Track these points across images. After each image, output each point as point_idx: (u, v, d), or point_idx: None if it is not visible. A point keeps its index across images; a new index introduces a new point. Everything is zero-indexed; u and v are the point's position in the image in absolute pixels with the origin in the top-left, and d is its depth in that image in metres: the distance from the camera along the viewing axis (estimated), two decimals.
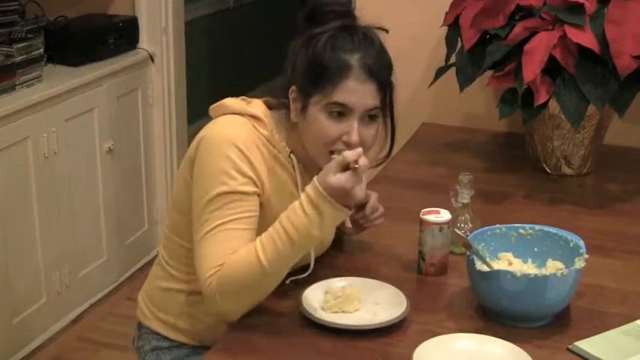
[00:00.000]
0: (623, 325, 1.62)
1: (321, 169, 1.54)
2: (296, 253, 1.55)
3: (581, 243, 1.69)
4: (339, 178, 1.49)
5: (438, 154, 2.65)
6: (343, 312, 1.63)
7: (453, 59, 2.46)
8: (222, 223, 1.59)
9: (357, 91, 1.62)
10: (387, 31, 1.71)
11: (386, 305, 1.65)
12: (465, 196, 1.88)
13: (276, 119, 1.73)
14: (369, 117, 1.66)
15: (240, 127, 1.66)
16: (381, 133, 1.74)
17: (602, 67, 2.17)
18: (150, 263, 1.91)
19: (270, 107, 1.74)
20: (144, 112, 3.57)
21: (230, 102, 1.72)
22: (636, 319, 1.64)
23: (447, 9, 2.48)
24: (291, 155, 1.72)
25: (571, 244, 1.69)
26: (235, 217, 1.60)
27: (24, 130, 2.84)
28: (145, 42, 3.58)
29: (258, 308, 1.67)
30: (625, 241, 2.04)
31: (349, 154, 1.50)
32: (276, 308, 1.67)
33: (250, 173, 1.62)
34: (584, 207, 2.26)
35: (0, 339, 2.83)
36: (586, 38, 2.14)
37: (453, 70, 2.43)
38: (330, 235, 1.79)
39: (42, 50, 3.04)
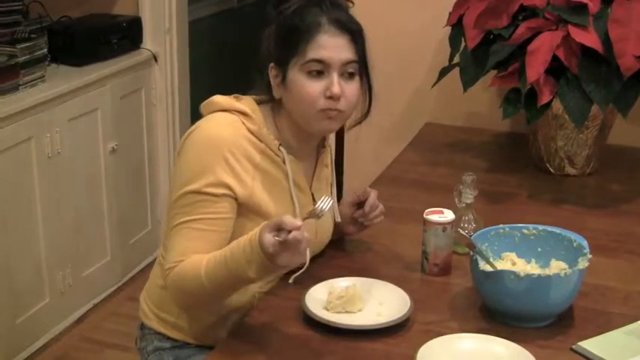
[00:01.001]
0: (626, 325, 1.62)
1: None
2: (228, 278, 1.54)
3: (585, 243, 1.69)
4: (266, 239, 1.44)
5: (441, 154, 2.65)
6: (346, 312, 1.63)
7: (456, 59, 2.46)
8: (188, 221, 1.63)
9: (331, 45, 1.64)
10: (352, 2, 1.73)
11: (389, 305, 1.65)
12: (469, 196, 1.88)
13: (265, 113, 1.74)
14: (349, 74, 1.67)
15: (227, 126, 1.68)
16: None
17: (605, 67, 2.16)
18: (153, 263, 1.92)
19: (260, 103, 1.76)
20: (147, 112, 3.57)
21: (219, 99, 1.73)
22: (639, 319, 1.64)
23: (450, 9, 2.48)
24: (281, 147, 1.73)
25: (574, 244, 1.69)
26: (202, 217, 1.62)
27: (27, 131, 2.84)
28: (148, 42, 3.58)
29: (261, 308, 1.68)
30: (628, 241, 2.04)
31: (287, 220, 1.42)
32: (278, 308, 1.68)
33: (225, 177, 1.63)
34: (588, 207, 2.26)
35: (3, 339, 2.83)
36: (589, 38, 2.14)
37: (457, 70, 2.43)
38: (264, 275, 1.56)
39: (45, 50, 3.04)
